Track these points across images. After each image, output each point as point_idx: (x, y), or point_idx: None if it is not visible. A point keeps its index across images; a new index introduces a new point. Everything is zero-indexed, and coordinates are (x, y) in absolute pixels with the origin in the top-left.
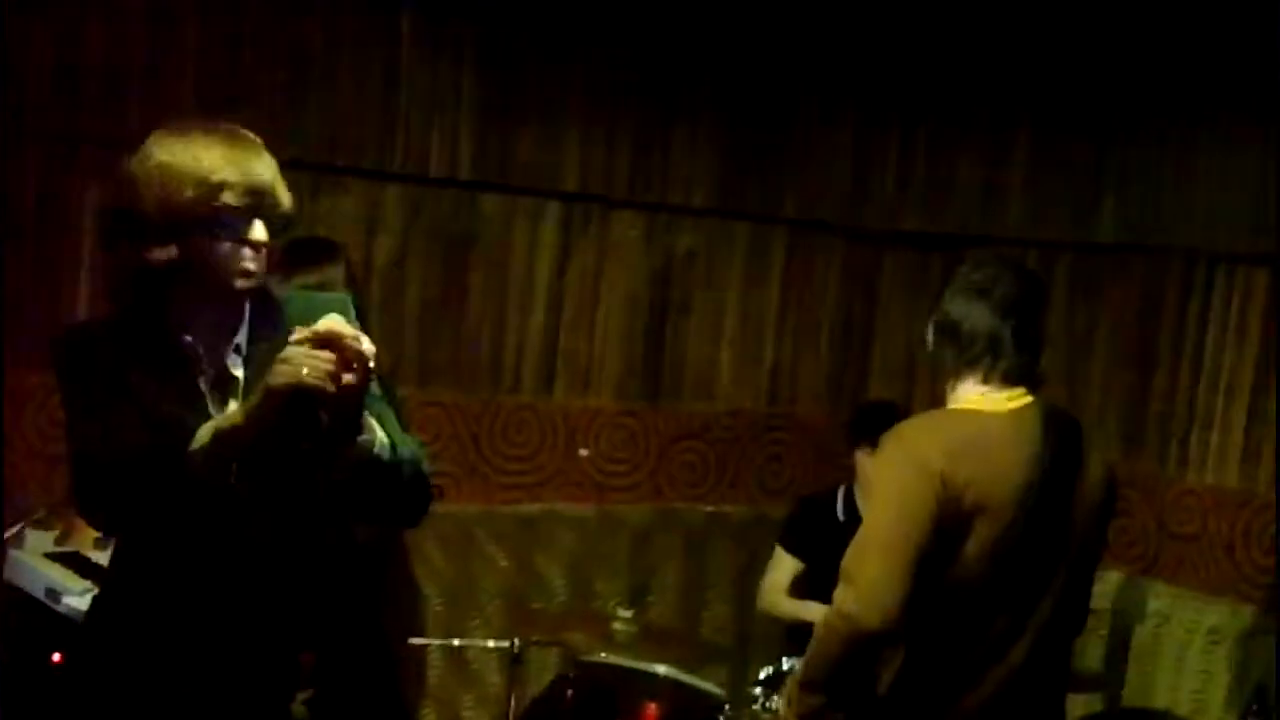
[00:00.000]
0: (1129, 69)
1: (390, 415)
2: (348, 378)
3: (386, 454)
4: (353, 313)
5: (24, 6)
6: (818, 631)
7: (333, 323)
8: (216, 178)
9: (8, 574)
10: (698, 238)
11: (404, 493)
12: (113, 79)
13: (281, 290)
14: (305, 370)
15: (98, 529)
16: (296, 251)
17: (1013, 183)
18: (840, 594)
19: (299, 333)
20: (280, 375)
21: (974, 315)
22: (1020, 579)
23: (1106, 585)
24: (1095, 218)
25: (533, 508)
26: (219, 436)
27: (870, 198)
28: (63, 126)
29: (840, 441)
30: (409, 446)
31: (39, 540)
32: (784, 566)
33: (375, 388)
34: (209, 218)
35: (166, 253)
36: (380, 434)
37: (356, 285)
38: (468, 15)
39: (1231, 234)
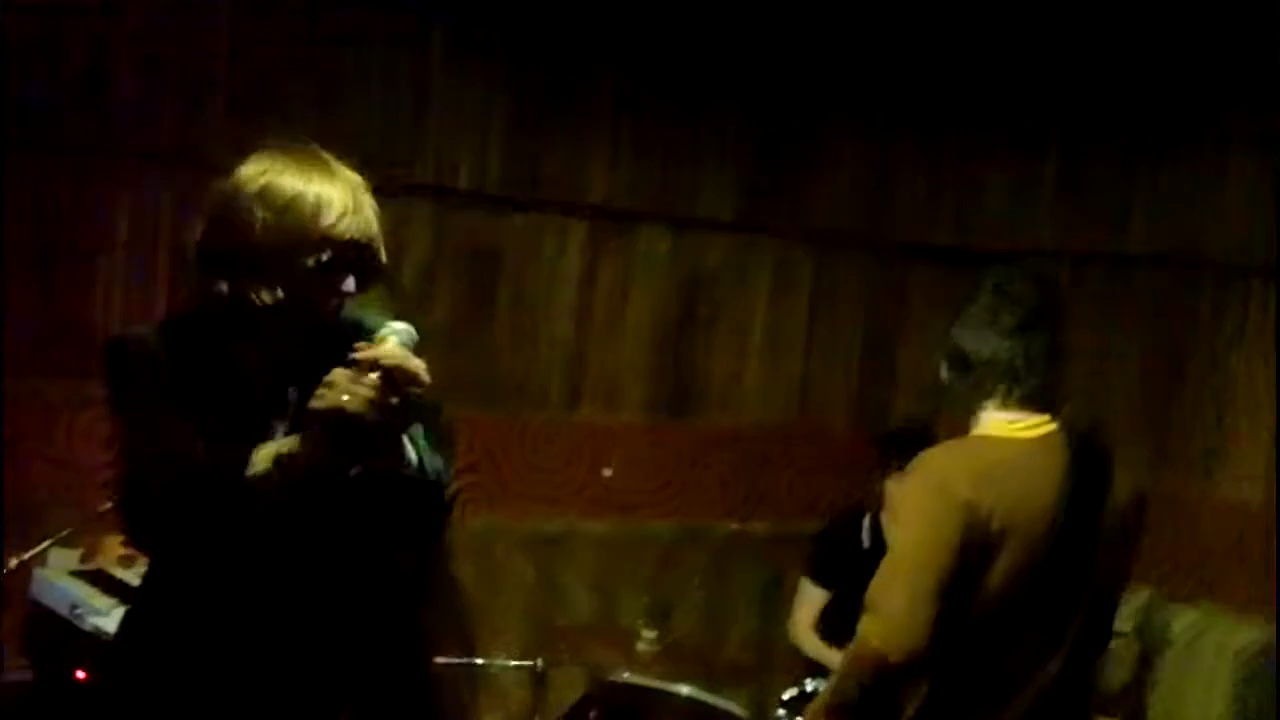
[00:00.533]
0: (1159, 80)
1: (419, 430)
2: (392, 400)
3: (414, 470)
4: (413, 340)
5: (54, 17)
6: (842, 661)
7: (382, 349)
8: (337, 229)
9: (33, 591)
10: (724, 252)
11: (421, 510)
12: (143, 93)
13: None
14: (346, 397)
15: (140, 548)
16: None
17: (1042, 195)
18: (865, 624)
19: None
20: (322, 400)
21: (984, 344)
22: (1046, 604)
23: (1133, 604)
24: (1125, 229)
25: (558, 524)
26: (281, 463)
27: (898, 211)
28: (95, 140)
29: (867, 456)
30: (435, 465)
31: (64, 558)
32: (810, 599)
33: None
34: (313, 266)
35: (270, 295)
36: (410, 450)
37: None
38: (497, 30)
39: (1264, 245)
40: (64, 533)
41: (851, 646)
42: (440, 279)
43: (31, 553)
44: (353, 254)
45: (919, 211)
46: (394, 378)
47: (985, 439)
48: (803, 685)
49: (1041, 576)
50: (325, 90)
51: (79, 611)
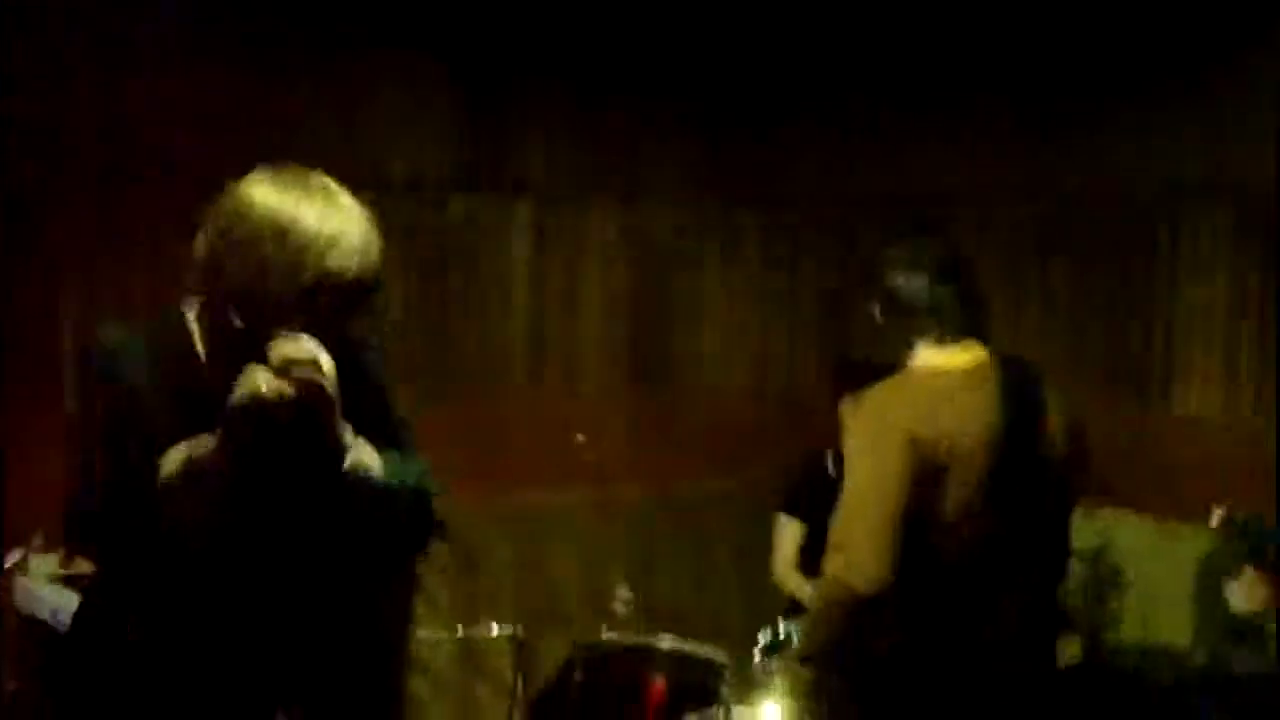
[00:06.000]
0: (1071, 22)
1: (397, 444)
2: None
3: (375, 477)
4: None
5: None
6: (813, 602)
7: (288, 344)
8: (346, 274)
9: (17, 600)
10: (673, 222)
11: (400, 521)
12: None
13: None
14: (264, 386)
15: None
16: None
17: (974, 141)
18: (830, 562)
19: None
20: (237, 389)
21: (913, 284)
22: (998, 528)
23: (1093, 523)
24: (1055, 170)
25: (531, 499)
26: (189, 467)
27: (836, 168)
28: (111, 158)
29: (829, 413)
30: (409, 475)
31: (44, 564)
32: (787, 535)
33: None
34: (313, 306)
35: (262, 324)
36: (366, 457)
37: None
38: (428, 18)
39: (1198, 169)
40: (38, 540)
41: (821, 585)
42: (389, 273)
43: (10, 562)
44: (347, 304)
45: (858, 167)
46: (302, 374)
47: (921, 371)
48: (776, 626)
49: (990, 499)
50: (259, 85)
51: (61, 617)
